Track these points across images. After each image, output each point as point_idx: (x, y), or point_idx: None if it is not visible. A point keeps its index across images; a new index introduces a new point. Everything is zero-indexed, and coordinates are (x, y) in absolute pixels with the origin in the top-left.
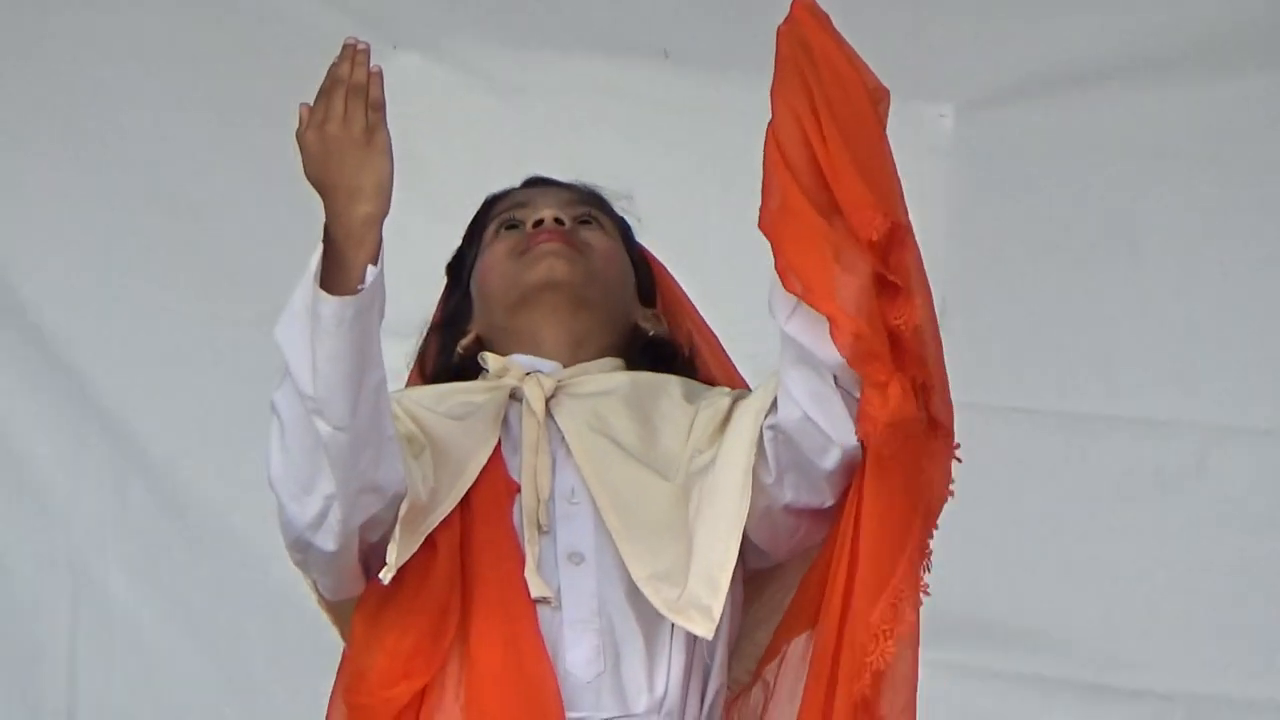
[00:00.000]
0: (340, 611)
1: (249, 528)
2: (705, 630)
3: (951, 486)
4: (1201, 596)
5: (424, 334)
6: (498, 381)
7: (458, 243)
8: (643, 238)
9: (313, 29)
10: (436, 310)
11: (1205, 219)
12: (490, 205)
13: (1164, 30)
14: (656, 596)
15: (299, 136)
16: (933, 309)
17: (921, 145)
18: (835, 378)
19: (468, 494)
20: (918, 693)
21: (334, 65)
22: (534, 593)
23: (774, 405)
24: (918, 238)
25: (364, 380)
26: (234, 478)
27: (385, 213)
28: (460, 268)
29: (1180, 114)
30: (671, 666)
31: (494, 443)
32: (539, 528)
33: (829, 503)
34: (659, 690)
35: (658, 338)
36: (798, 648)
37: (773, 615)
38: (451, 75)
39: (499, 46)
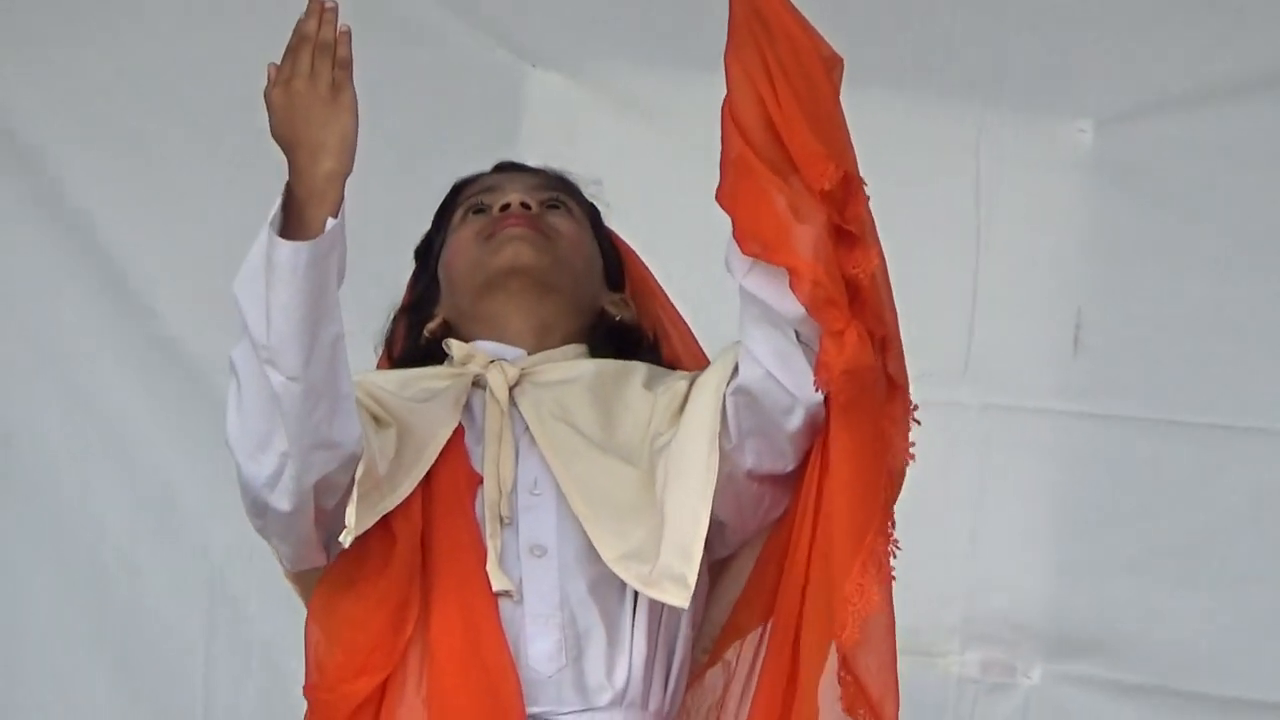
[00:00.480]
0: (305, 583)
1: None
2: (681, 600)
3: (911, 450)
4: None
5: (392, 317)
6: (461, 369)
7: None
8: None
9: (455, 51)
10: (405, 293)
11: None
12: (459, 190)
13: None
14: (629, 574)
15: (265, 94)
16: (885, 264)
17: (1060, 160)
18: (797, 333)
19: (430, 486)
20: (897, 664)
21: (300, 22)
22: (495, 587)
23: (735, 371)
24: (1055, 252)
25: (319, 332)
26: None
27: (348, 170)
28: (428, 251)
29: None
30: (633, 658)
31: (454, 424)
32: (501, 520)
33: (790, 466)
34: (620, 682)
35: (623, 323)
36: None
37: (729, 591)
38: (591, 96)
39: (640, 67)
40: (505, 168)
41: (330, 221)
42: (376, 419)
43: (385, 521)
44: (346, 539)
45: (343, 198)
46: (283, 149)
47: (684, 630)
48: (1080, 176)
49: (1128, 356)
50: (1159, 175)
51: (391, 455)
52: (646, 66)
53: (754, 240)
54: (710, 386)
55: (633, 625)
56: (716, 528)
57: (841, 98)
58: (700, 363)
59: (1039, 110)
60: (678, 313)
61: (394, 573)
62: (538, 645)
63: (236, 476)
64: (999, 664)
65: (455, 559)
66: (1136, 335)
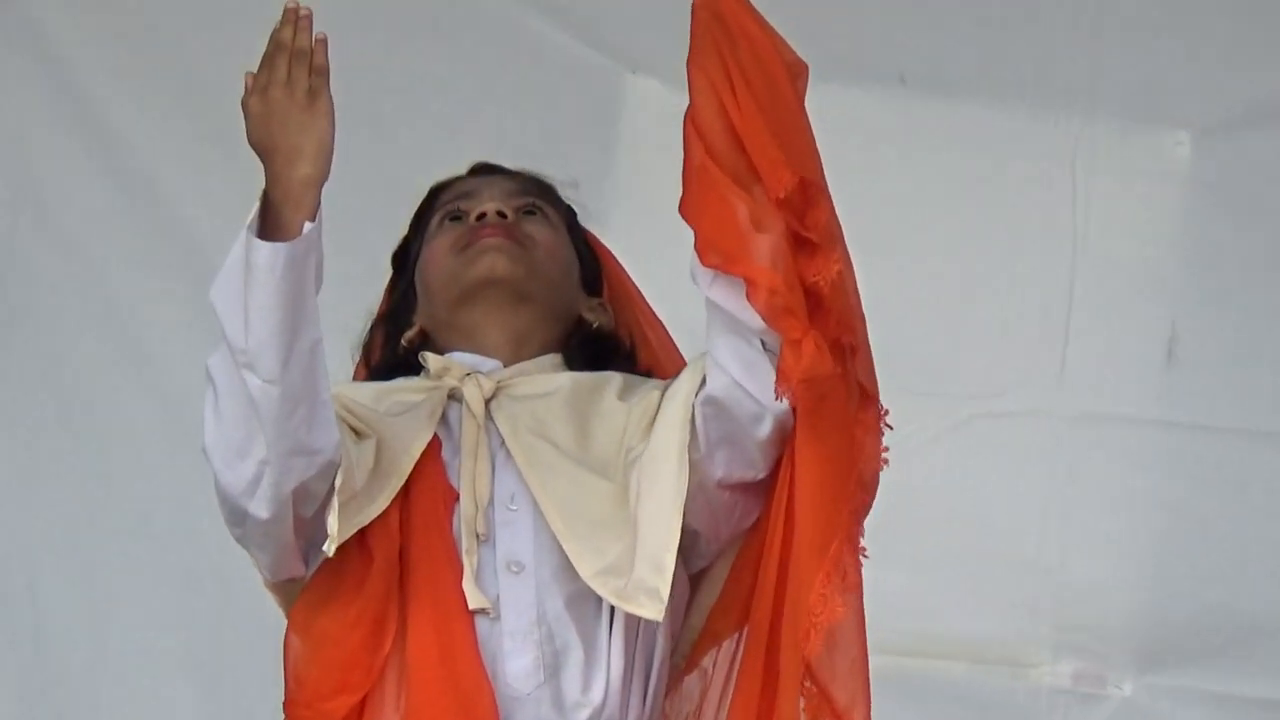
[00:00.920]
0: (286, 593)
1: None
2: (654, 613)
3: (885, 457)
4: None
5: (369, 325)
6: (437, 382)
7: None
8: (889, 266)
9: (553, 57)
10: (382, 301)
11: None
12: (435, 195)
13: None
14: (605, 589)
15: (243, 102)
16: (853, 271)
17: (1158, 172)
18: (763, 342)
19: (407, 500)
20: (868, 669)
21: (276, 30)
22: (472, 604)
23: (704, 381)
24: (1150, 263)
25: (297, 337)
26: None
27: (325, 176)
28: (405, 258)
29: None
30: (610, 673)
31: (429, 437)
32: (477, 536)
33: (761, 474)
34: (597, 698)
35: (600, 331)
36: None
37: (707, 599)
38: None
39: None
40: (482, 170)
41: (308, 225)
42: (356, 431)
43: (363, 536)
44: (330, 547)
45: (319, 203)
46: (259, 155)
47: (661, 641)
48: (1176, 189)
49: (1221, 367)
50: (1255, 187)
51: (370, 467)
52: None
53: (714, 252)
54: (679, 397)
55: (609, 640)
56: (691, 538)
57: (933, 111)
58: (678, 364)
59: (1136, 122)
60: (655, 315)
61: (371, 589)
62: (515, 662)
63: (214, 486)
64: (1090, 675)
65: (432, 576)
66: (1230, 346)
